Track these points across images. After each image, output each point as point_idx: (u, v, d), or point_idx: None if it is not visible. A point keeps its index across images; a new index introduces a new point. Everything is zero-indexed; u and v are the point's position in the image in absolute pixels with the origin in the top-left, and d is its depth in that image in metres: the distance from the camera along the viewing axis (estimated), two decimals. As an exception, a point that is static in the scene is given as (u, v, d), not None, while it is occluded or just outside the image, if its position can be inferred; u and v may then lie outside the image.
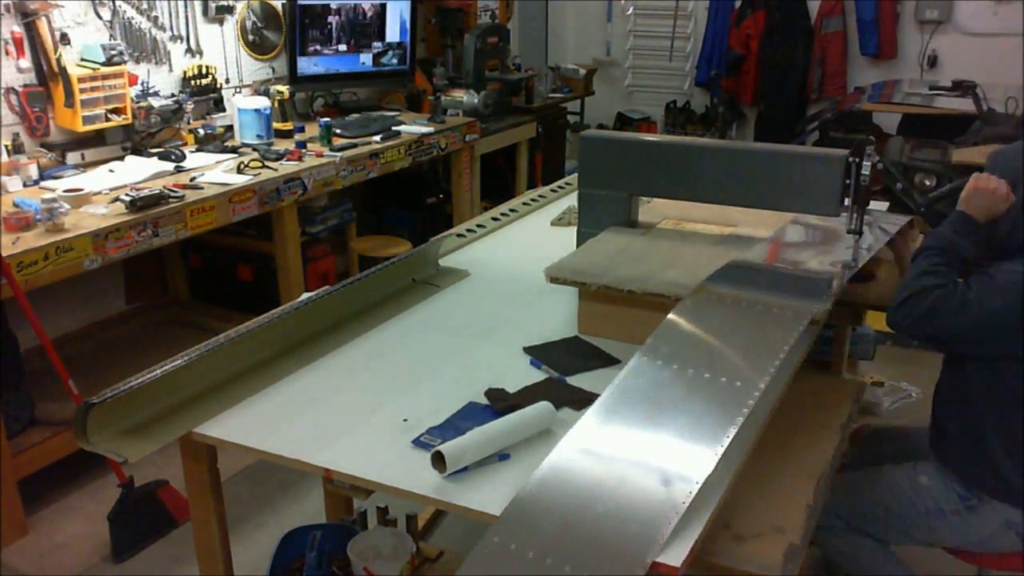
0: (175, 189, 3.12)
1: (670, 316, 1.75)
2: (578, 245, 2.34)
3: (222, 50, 4.09)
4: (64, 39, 3.33)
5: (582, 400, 1.76)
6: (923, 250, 1.93)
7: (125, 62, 3.41)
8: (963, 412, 1.95)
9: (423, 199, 4.95)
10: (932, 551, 2.14)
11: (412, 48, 4.86)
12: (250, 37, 4.22)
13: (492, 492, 1.46)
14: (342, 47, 4.50)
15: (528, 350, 2.00)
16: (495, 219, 3.02)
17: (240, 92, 4.18)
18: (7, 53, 3.19)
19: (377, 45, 4.70)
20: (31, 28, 3.22)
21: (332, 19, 4.41)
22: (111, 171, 3.31)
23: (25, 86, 3.25)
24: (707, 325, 1.74)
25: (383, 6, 4.64)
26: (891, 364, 3.87)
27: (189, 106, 3.75)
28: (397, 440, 1.63)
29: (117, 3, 3.55)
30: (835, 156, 2.06)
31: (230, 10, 4.07)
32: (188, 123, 3.81)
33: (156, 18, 3.74)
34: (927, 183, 4.33)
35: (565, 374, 1.88)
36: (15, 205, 2.88)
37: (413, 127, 4.39)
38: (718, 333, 1.71)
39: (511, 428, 1.59)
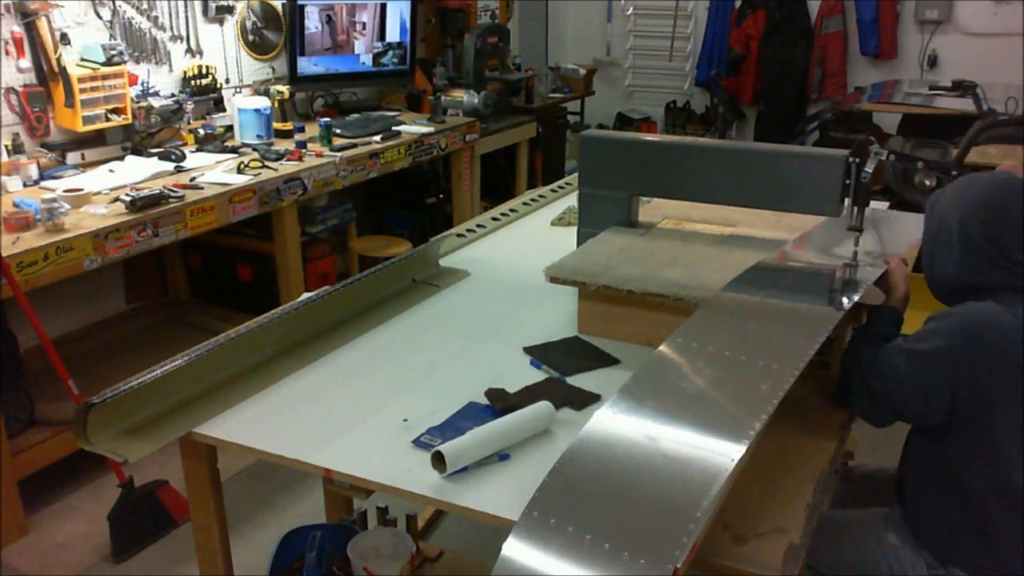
0: (175, 189, 3.12)
1: (696, 314, 1.75)
2: (578, 245, 2.34)
3: (222, 50, 4.09)
4: (64, 39, 3.33)
5: (582, 400, 1.76)
6: (865, 357, 1.86)
7: (125, 62, 3.41)
8: (930, 482, 1.83)
9: (423, 199, 4.95)
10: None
11: (412, 48, 4.86)
12: (250, 37, 4.22)
13: (492, 492, 1.46)
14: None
15: (528, 350, 2.00)
16: (495, 219, 3.02)
17: (240, 92, 4.18)
18: (7, 53, 3.19)
19: (377, 45, 4.70)
20: (31, 28, 3.22)
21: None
22: (111, 171, 3.31)
23: (25, 86, 3.25)
24: (732, 327, 1.74)
25: (383, 6, 4.65)
26: (891, 364, 3.87)
27: (189, 106, 3.75)
28: (397, 440, 1.63)
29: (117, 3, 3.55)
30: (835, 156, 2.06)
31: (230, 10, 4.07)
32: (188, 123, 3.81)
33: (156, 18, 3.74)
34: (927, 183, 4.33)
35: (565, 374, 1.88)
36: (15, 205, 2.88)
37: (413, 127, 4.39)
38: (743, 334, 1.71)
39: (511, 428, 1.59)
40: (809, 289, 2.00)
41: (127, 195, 2.97)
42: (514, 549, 1.19)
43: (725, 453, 1.33)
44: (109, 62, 3.32)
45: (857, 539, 1.94)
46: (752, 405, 1.45)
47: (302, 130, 4.18)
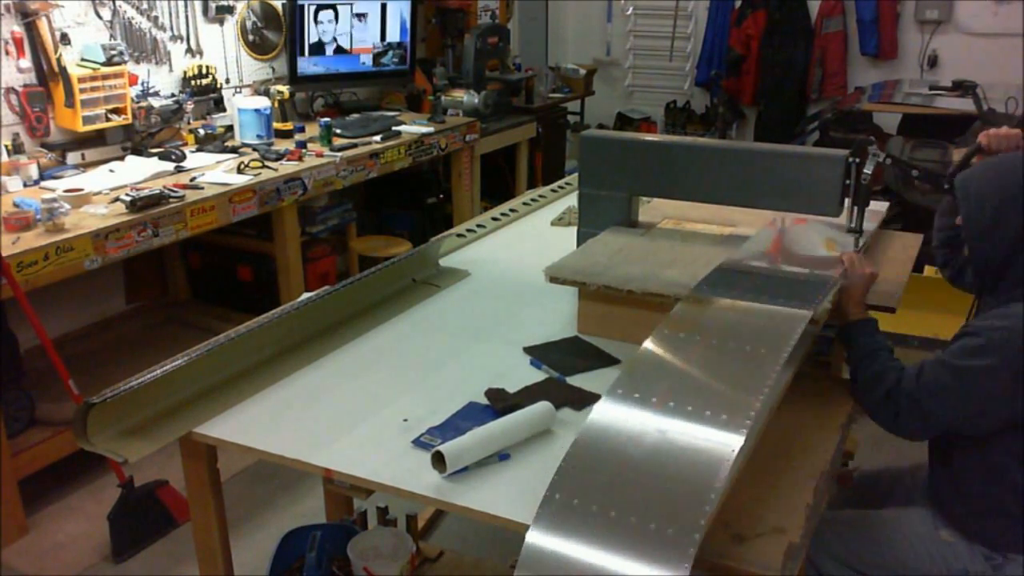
0: (175, 189, 3.12)
1: (668, 317, 1.75)
2: (578, 245, 2.34)
3: (222, 50, 4.09)
4: (64, 39, 3.33)
5: (582, 400, 1.76)
6: (859, 362, 1.88)
7: (125, 62, 3.41)
8: (977, 480, 1.84)
9: (423, 199, 4.95)
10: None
11: (412, 48, 4.86)
12: (250, 37, 4.22)
13: (492, 492, 1.46)
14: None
15: (528, 350, 2.00)
16: (495, 219, 3.02)
17: (240, 92, 4.18)
18: (7, 53, 3.19)
19: (377, 45, 4.70)
20: (31, 28, 3.22)
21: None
22: (111, 171, 3.31)
23: (25, 86, 3.25)
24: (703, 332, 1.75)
25: (383, 6, 4.65)
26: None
27: (189, 106, 3.75)
28: (397, 440, 1.63)
29: (117, 3, 3.55)
30: (835, 156, 2.06)
31: (230, 10, 4.07)
32: (188, 123, 3.81)
33: (156, 18, 3.74)
34: (927, 184, 4.31)
35: (565, 374, 1.88)
36: (15, 205, 2.88)
37: (413, 127, 4.39)
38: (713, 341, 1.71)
39: (511, 428, 1.59)
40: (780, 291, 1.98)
41: (127, 195, 2.97)
42: (538, 537, 1.21)
43: (726, 443, 1.35)
44: (109, 62, 3.32)
45: (907, 538, 1.93)
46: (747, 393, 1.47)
47: (302, 130, 4.18)
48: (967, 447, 1.85)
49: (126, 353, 3.61)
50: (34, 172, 3.18)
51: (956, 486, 1.89)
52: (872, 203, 2.19)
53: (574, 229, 2.43)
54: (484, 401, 1.75)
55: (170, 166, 3.43)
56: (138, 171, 3.32)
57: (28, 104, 3.25)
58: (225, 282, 4.10)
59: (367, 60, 4.68)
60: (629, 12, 6.88)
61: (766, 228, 2.37)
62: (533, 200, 3.25)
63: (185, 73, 3.88)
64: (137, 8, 3.65)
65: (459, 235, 2.82)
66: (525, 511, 1.41)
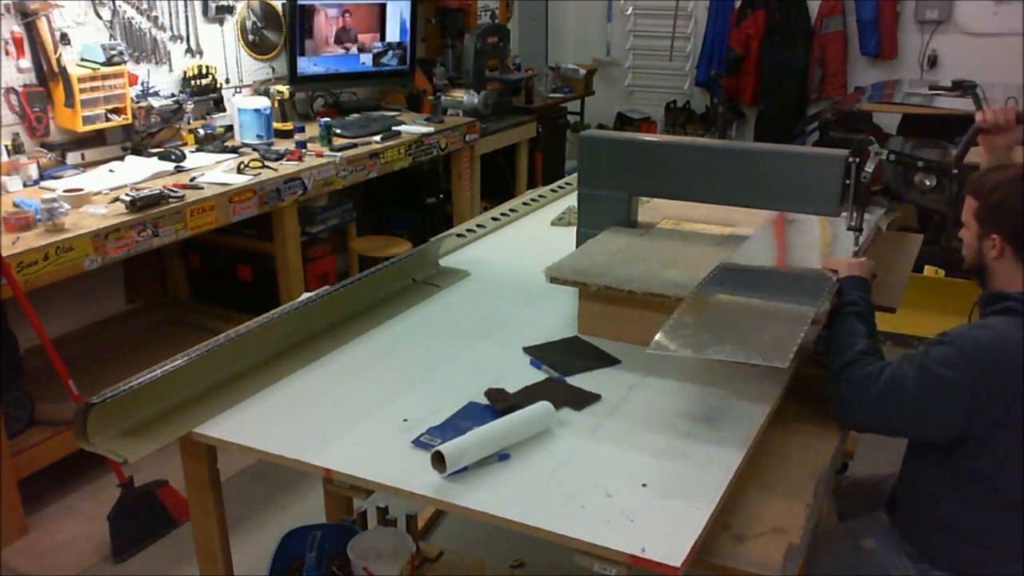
0: (175, 189, 3.12)
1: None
2: (578, 245, 2.34)
3: (222, 50, 4.09)
4: (64, 39, 3.33)
5: (582, 400, 1.76)
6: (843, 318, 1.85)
7: (125, 62, 3.41)
8: (928, 492, 1.80)
9: (423, 199, 4.95)
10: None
11: (412, 48, 4.86)
12: (250, 37, 4.22)
13: (492, 492, 1.46)
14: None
15: (528, 350, 2.00)
16: (495, 219, 3.02)
17: (240, 92, 4.18)
18: (7, 53, 3.19)
19: (377, 45, 4.70)
20: (31, 28, 3.22)
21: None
22: (111, 171, 3.31)
23: (25, 86, 3.25)
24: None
25: (383, 6, 4.65)
26: (891, 364, 3.86)
27: (189, 106, 3.75)
28: (397, 440, 1.63)
29: (117, 3, 3.55)
30: (835, 156, 2.06)
31: (230, 10, 4.07)
32: (188, 123, 3.81)
33: (156, 18, 3.74)
34: (927, 183, 4.32)
35: (565, 374, 1.88)
36: (15, 205, 2.88)
37: (413, 127, 4.39)
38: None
39: (511, 428, 1.59)
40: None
41: (127, 195, 2.97)
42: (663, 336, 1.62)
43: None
44: (109, 62, 3.32)
45: (830, 552, 1.91)
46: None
47: (302, 130, 4.18)
48: (922, 457, 1.81)
49: (126, 353, 3.61)
50: (34, 172, 3.18)
51: (910, 494, 1.87)
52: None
53: (574, 229, 2.43)
54: (484, 401, 1.75)
55: (170, 166, 3.43)
56: (138, 171, 3.32)
57: (28, 104, 3.25)
58: (225, 282, 4.09)
59: (367, 60, 4.68)
60: (629, 12, 6.88)
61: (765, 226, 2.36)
62: (533, 200, 3.25)
63: (185, 73, 3.87)
64: (137, 8, 3.64)
65: (459, 235, 2.82)
66: (525, 511, 1.41)
